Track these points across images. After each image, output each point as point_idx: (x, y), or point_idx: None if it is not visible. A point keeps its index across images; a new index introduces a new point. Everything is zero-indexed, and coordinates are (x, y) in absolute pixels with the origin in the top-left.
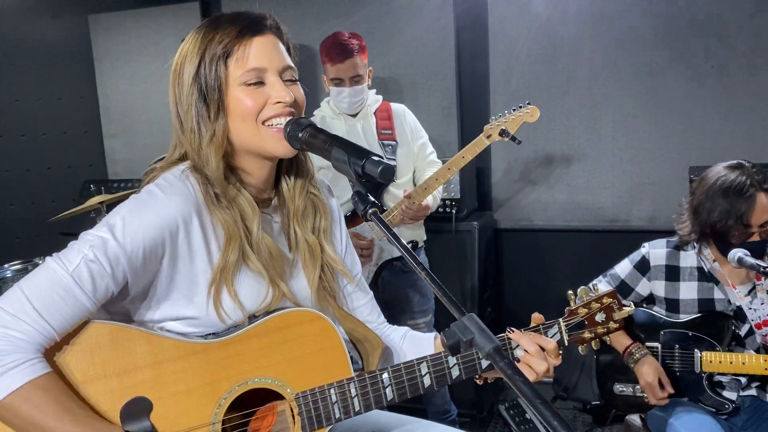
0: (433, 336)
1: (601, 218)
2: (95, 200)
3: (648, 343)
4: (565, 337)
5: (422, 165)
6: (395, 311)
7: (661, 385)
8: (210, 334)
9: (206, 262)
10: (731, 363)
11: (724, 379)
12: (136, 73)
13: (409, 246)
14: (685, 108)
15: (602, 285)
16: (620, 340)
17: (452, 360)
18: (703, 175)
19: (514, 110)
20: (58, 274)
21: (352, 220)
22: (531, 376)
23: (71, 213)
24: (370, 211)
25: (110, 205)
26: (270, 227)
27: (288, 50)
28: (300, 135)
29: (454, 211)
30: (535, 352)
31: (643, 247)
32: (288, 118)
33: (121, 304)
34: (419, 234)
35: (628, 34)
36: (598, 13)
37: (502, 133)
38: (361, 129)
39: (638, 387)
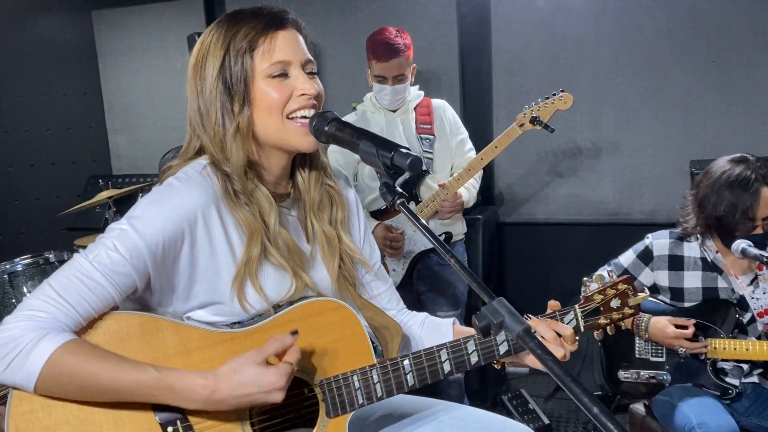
0: (451, 321)
1: (603, 212)
2: (104, 195)
3: None
4: (581, 324)
5: (460, 161)
6: (428, 303)
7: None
8: (235, 323)
9: (228, 255)
10: (735, 349)
11: (726, 366)
12: (139, 68)
13: (441, 238)
14: (686, 102)
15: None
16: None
17: (471, 346)
18: (708, 168)
19: (547, 98)
20: (79, 262)
21: (385, 213)
22: None
23: (80, 208)
24: (398, 201)
25: (118, 200)
26: (287, 220)
27: (306, 44)
28: (326, 129)
29: None
30: (551, 338)
31: (647, 237)
32: (311, 111)
33: (148, 297)
34: (455, 227)
35: (629, 30)
36: (600, 10)
37: (534, 120)
38: (400, 123)
39: (643, 373)
